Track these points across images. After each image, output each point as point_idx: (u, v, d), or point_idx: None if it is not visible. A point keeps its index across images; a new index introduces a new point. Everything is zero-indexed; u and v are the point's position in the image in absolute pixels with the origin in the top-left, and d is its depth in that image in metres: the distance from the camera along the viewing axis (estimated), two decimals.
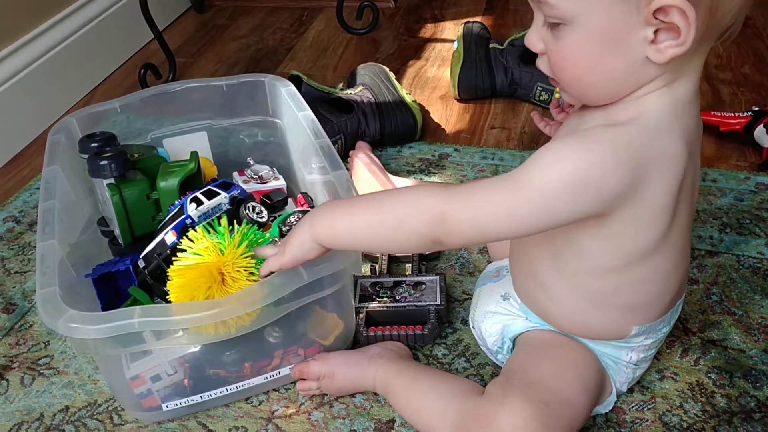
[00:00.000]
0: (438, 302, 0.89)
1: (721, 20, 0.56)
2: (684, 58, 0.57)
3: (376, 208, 0.65)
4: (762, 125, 1.12)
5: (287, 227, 0.82)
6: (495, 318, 0.80)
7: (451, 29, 1.68)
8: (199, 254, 0.74)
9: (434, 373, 0.80)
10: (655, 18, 0.54)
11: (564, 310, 0.74)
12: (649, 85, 0.59)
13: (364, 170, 1.09)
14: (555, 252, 0.70)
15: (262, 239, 0.77)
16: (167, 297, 0.76)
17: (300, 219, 0.83)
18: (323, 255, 0.69)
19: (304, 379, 0.82)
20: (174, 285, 0.74)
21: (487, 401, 0.69)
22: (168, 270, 0.75)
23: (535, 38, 0.61)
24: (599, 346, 0.75)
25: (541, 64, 0.63)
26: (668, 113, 0.60)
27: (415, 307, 0.89)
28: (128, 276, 0.85)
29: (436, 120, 1.34)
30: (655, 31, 0.55)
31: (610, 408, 0.78)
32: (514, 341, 0.80)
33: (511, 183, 0.60)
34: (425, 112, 1.34)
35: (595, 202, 0.59)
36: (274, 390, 0.84)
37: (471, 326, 0.85)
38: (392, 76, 1.30)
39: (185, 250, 0.75)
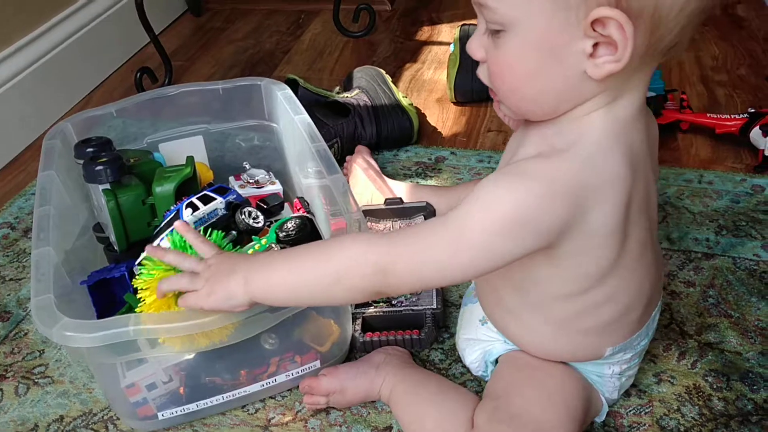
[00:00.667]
0: (434, 306, 0.89)
1: (662, 39, 0.55)
2: (624, 76, 0.56)
3: (312, 265, 0.64)
4: (758, 127, 1.12)
5: (284, 233, 0.82)
6: (475, 345, 0.80)
7: (448, 32, 1.68)
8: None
9: (434, 382, 0.79)
10: (594, 30, 0.53)
11: (535, 339, 0.73)
12: (589, 103, 0.58)
13: (361, 174, 1.09)
14: (514, 282, 0.69)
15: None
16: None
17: (298, 224, 0.83)
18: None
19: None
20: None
21: None
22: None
23: (476, 45, 0.61)
24: (580, 365, 0.75)
25: (481, 72, 0.62)
26: (609, 136, 0.59)
27: (411, 311, 0.89)
28: (124, 283, 0.84)
29: (433, 123, 1.34)
30: (595, 45, 0.54)
31: (603, 418, 0.77)
32: (497, 360, 0.79)
33: (451, 229, 0.59)
34: (422, 116, 1.34)
35: (537, 239, 0.59)
36: (271, 397, 0.84)
37: (457, 347, 0.84)
38: (389, 79, 1.30)
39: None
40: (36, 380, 0.89)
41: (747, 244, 0.99)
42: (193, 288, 0.66)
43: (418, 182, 1.16)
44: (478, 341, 0.79)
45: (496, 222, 0.57)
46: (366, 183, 1.07)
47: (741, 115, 1.16)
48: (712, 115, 1.19)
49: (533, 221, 0.57)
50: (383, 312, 0.89)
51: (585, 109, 0.59)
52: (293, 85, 1.23)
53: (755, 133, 1.13)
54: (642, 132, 0.62)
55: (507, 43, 0.57)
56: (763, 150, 1.11)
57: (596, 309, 0.68)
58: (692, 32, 0.57)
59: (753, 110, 1.16)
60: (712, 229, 1.02)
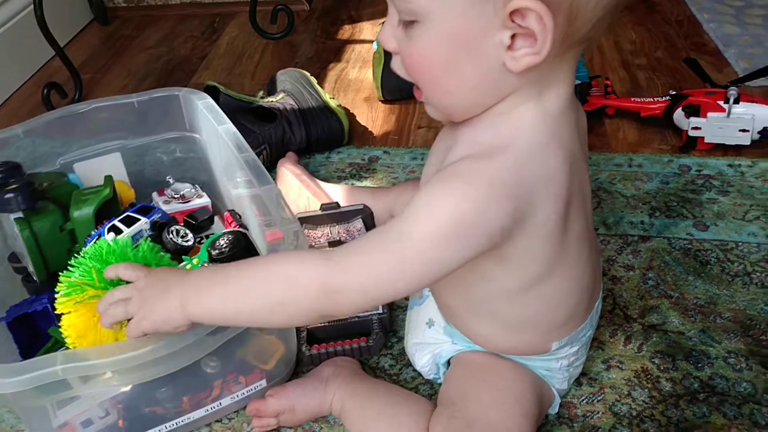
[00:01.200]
0: (380, 311, 0.87)
1: (579, 31, 0.54)
2: (544, 70, 0.55)
3: (252, 288, 0.61)
4: (680, 109, 1.15)
5: (217, 251, 0.77)
6: (424, 349, 0.78)
7: (369, 29, 1.65)
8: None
9: (384, 393, 0.77)
10: (512, 21, 0.52)
11: (480, 334, 0.73)
12: (514, 97, 0.57)
13: (294, 180, 1.05)
14: (459, 278, 0.68)
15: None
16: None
17: (231, 240, 0.79)
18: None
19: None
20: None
21: None
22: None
23: (388, 35, 0.58)
24: (529, 361, 0.74)
25: (395, 65, 0.60)
26: (543, 132, 0.58)
27: (357, 318, 0.86)
28: (47, 315, 0.79)
29: (363, 123, 1.31)
30: (513, 37, 0.53)
31: (556, 410, 0.77)
32: (448, 361, 0.78)
33: (395, 243, 0.57)
34: (351, 116, 1.32)
35: (482, 242, 0.57)
36: (217, 421, 0.80)
37: (407, 352, 0.82)
38: (314, 80, 1.27)
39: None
40: None
41: (680, 224, 1.01)
42: (127, 316, 0.63)
43: (353, 184, 1.14)
44: (426, 344, 0.78)
45: (440, 230, 0.56)
46: (300, 189, 1.04)
47: (663, 98, 1.19)
48: (636, 99, 1.21)
49: (475, 226, 0.56)
50: (328, 322, 0.86)
51: (509, 104, 0.57)
52: (214, 92, 1.18)
53: (678, 115, 1.16)
54: (572, 125, 0.61)
55: (421, 35, 0.55)
56: (687, 130, 1.14)
57: (539, 306, 0.68)
58: (607, 24, 0.56)
59: (674, 92, 1.18)
60: (646, 212, 1.04)
